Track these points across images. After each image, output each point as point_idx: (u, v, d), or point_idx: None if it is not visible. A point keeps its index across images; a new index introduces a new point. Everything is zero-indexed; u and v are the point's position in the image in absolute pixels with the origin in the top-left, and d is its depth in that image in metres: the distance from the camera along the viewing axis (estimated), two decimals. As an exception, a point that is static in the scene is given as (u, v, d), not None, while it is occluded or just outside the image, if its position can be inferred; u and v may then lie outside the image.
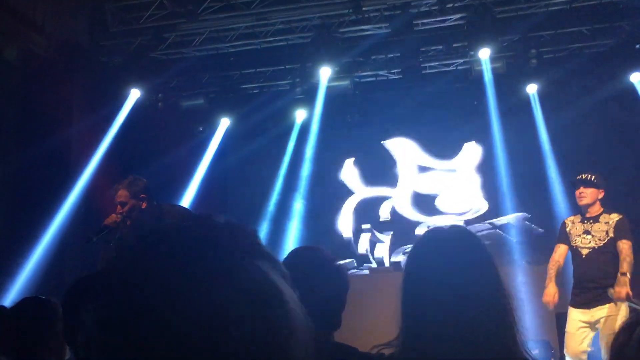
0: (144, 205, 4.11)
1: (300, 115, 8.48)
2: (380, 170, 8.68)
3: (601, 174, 5.14)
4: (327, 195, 8.50)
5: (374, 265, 8.42)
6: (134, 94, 7.71)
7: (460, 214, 8.40)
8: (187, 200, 7.98)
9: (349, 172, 8.79)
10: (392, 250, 8.42)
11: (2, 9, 6.48)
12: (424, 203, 8.54)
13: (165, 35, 7.50)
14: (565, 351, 4.97)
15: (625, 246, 4.90)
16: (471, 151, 8.52)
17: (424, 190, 8.59)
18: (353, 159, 8.74)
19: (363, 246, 8.51)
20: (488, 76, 7.41)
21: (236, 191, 8.92)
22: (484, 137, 8.28)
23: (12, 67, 6.90)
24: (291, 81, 8.09)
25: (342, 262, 7.80)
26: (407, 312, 1.49)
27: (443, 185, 8.53)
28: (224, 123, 8.55)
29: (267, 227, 8.41)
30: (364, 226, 8.61)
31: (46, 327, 2.30)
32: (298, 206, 8.28)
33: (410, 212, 8.56)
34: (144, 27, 7.38)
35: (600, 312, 4.81)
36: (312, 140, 8.35)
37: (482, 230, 8.22)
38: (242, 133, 8.56)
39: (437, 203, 8.49)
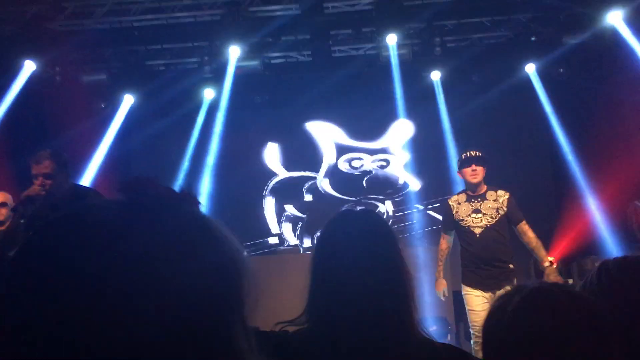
0: (67, 180, 3.96)
1: (208, 94, 8.32)
2: (300, 152, 8.72)
3: (484, 150, 5.16)
4: (238, 176, 8.39)
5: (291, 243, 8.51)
6: (29, 66, 7.29)
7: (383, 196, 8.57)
8: (87, 180, 7.66)
9: (267, 154, 8.75)
10: (309, 231, 8.51)
11: None
12: (344, 183, 8.67)
13: (63, 5, 7.12)
14: (472, 330, 4.96)
15: (527, 229, 4.97)
16: (397, 130, 8.68)
17: (343, 171, 8.70)
18: (269, 142, 8.70)
19: (286, 227, 8.58)
20: (395, 62, 7.60)
21: (141, 171, 8.60)
22: (388, 124, 8.53)
23: None
24: (199, 59, 7.90)
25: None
26: (314, 290, 1.53)
27: (361, 166, 8.70)
28: (128, 100, 8.24)
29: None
30: (286, 206, 8.63)
31: None
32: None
33: (330, 194, 8.66)
34: (40, -5, 6.95)
35: (501, 292, 4.90)
36: (220, 121, 8.27)
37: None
38: (147, 111, 8.22)
39: (358, 184, 8.65)
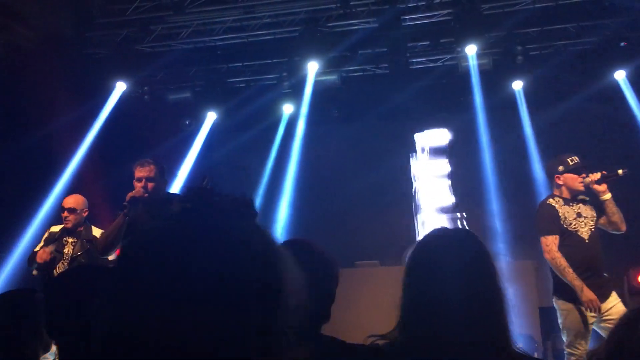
0: (165, 188, 4.25)
1: (287, 109, 8.50)
2: (370, 164, 8.72)
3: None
4: (315, 188, 8.49)
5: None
6: (120, 87, 7.72)
7: (449, 210, 8.46)
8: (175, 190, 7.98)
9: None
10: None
11: (-14, -1, 6.43)
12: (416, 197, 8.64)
13: (151, 28, 7.48)
14: (575, 352, 4.42)
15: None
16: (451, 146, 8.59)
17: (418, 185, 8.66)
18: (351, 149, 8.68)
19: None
20: (474, 72, 7.48)
21: (223, 185, 8.85)
22: (470, 133, 8.36)
23: None
24: (278, 75, 8.11)
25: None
26: (408, 306, 1.55)
27: (433, 180, 8.61)
28: (211, 117, 8.58)
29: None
30: None
31: (23, 321, 2.30)
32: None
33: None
34: (130, 19, 7.35)
35: (607, 304, 4.42)
36: (300, 134, 8.41)
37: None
38: (229, 126, 8.60)
39: (426, 197, 8.57)
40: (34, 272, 4.94)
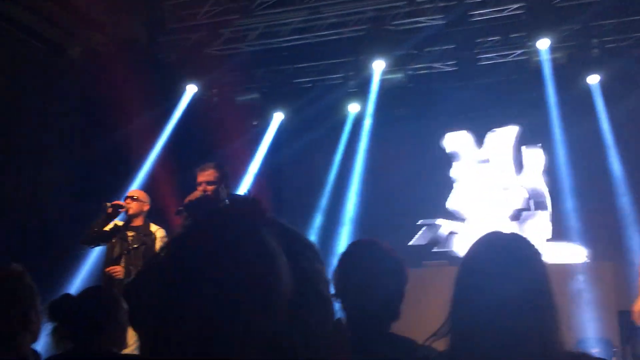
0: (225, 192, 4.27)
1: (353, 108, 8.52)
2: (438, 163, 8.66)
3: None
4: (379, 187, 8.46)
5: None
6: (190, 89, 7.93)
7: (514, 210, 8.25)
8: (242, 192, 8.14)
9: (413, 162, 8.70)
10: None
11: (66, 8, 6.73)
12: (480, 198, 8.46)
13: (220, 31, 7.63)
14: None
15: None
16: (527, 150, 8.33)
17: (481, 184, 8.49)
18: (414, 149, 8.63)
19: (426, 237, 8.50)
20: (547, 67, 7.24)
21: (290, 184, 9.02)
22: (542, 130, 8.11)
23: (75, 65, 7.15)
24: (344, 75, 8.14)
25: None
26: (456, 307, 1.57)
27: (498, 179, 8.39)
28: (278, 117, 8.69)
29: (320, 220, 8.49)
30: (437, 221, 8.60)
31: (106, 315, 2.44)
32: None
33: (466, 207, 8.50)
34: (200, 23, 7.54)
35: None
36: (366, 133, 8.40)
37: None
38: (295, 127, 8.67)
39: (490, 197, 8.38)
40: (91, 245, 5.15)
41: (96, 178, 6.40)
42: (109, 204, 5.00)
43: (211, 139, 7.69)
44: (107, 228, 5.07)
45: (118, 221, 5.24)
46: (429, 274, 7.84)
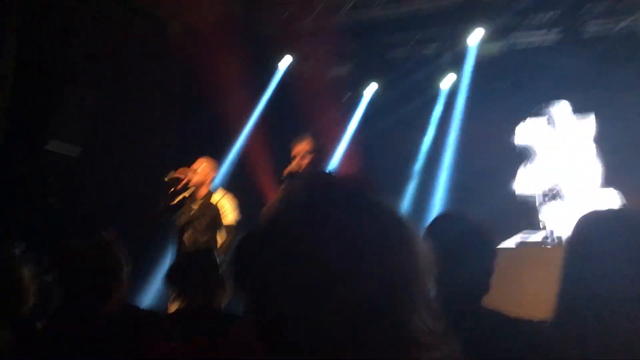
0: (320, 164, 4.40)
1: (448, 80, 8.31)
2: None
3: None
4: (476, 164, 8.16)
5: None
6: (285, 62, 8.07)
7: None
8: (333, 164, 8.19)
9: (524, 134, 8.22)
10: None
11: (167, -15, 6.99)
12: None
13: (315, 3, 7.65)
14: None
15: None
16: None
17: (580, 162, 8.01)
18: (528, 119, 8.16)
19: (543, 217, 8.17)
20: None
21: (381, 157, 8.89)
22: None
23: (176, 42, 7.41)
24: (440, 45, 7.99)
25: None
26: (566, 290, 1.51)
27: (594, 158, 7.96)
28: (371, 88, 8.64)
29: (413, 191, 8.36)
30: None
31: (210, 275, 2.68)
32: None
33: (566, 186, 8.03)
34: (295, -4, 7.56)
35: None
36: (460, 107, 8.12)
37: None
38: (388, 100, 8.53)
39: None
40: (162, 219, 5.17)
41: (195, 152, 6.54)
42: (166, 179, 5.06)
43: (304, 112, 7.74)
44: (175, 202, 5.13)
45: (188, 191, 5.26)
46: (524, 254, 7.57)
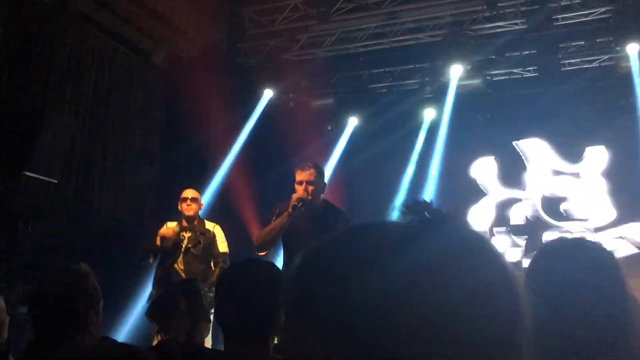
0: (324, 194, 4.29)
1: (429, 114, 8.39)
2: (511, 171, 8.37)
3: None
4: (455, 195, 8.29)
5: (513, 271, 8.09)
6: (268, 94, 8.02)
7: (587, 221, 7.93)
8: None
9: (481, 171, 8.56)
10: (526, 255, 8.06)
11: (151, 15, 6.97)
12: (554, 207, 8.13)
13: (298, 37, 7.74)
14: None
15: None
16: (600, 155, 7.97)
17: (554, 194, 8.17)
18: (485, 157, 8.51)
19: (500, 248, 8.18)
20: (637, 73, 6.87)
21: (363, 189, 8.88)
22: (627, 139, 7.65)
23: (159, 70, 7.44)
24: (420, 80, 8.10)
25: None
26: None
27: (572, 189, 8.08)
28: (353, 122, 8.69)
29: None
30: (497, 229, 8.33)
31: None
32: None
33: (540, 217, 8.19)
34: (279, 29, 7.67)
35: None
36: (442, 140, 8.19)
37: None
38: (370, 132, 8.63)
39: (565, 208, 8.06)
40: (150, 260, 5.17)
41: (176, 182, 6.39)
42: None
43: (287, 143, 7.75)
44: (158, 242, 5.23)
45: (169, 226, 5.33)
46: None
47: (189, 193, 5.36)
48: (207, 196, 7.10)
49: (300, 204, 4.04)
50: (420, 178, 8.46)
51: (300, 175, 4.17)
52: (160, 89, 7.51)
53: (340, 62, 8.15)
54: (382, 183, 8.50)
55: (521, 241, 8.21)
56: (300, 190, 4.11)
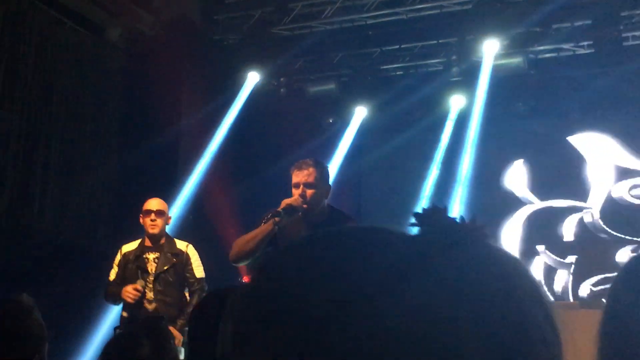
0: (327, 197, 4.10)
1: (456, 102, 8.24)
2: (563, 174, 8.19)
3: None
4: (489, 204, 8.11)
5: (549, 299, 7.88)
6: (252, 78, 7.91)
7: None
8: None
9: (518, 177, 8.37)
10: (578, 280, 7.89)
11: (107, -17, 6.89)
12: (625, 219, 7.86)
13: (290, 6, 7.53)
14: None
15: None
16: None
17: (625, 201, 7.93)
18: (522, 160, 8.38)
19: (536, 273, 7.97)
20: None
21: (372, 197, 8.80)
22: None
23: (115, 49, 7.45)
24: (445, 59, 7.92)
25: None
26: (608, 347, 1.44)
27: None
28: (360, 113, 8.52)
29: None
30: (538, 247, 8.13)
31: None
32: None
33: (604, 231, 7.95)
34: (265, -4, 7.44)
35: None
36: (473, 135, 8.04)
37: None
38: (382, 125, 8.50)
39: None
40: (123, 314, 5.10)
41: (138, 190, 6.31)
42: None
43: (277, 139, 7.75)
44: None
45: (125, 250, 5.26)
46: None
47: (153, 204, 5.20)
48: (176, 207, 7.03)
49: (282, 210, 3.86)
50: (445, 183, 8.26)
51: (296, 177, 3.98)
52: (116, 74, 7.38)
53: (343, 37, 7.95)
54: (396, 189, 8.40)
55: (567, 264, 8.06)
56: (295, 194, 3.93)
